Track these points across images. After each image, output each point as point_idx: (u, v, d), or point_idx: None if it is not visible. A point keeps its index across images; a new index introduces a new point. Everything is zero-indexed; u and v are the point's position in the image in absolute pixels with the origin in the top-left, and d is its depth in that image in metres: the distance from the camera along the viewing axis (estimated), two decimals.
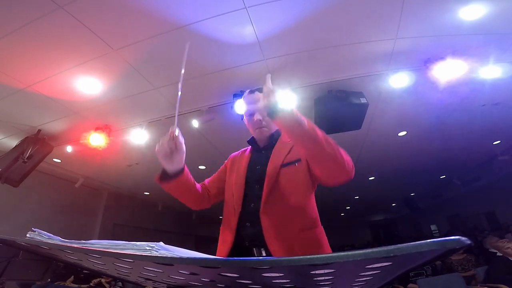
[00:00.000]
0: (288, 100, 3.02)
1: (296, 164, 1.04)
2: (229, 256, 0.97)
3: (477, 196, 7.98)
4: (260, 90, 1.13)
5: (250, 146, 1.24)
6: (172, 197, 1.15)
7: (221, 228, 1.10)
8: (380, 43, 2.61)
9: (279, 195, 1.00)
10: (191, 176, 1.11)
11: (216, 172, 1.29)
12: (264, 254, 0.94)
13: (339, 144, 0.89)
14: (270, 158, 1.09)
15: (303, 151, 0.93)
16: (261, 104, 0.88)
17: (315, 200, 1.09)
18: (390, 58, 2.80)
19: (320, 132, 0.86)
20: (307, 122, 0.85)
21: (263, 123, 1.13)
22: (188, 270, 0.47)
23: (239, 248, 0.99)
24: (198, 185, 1.16)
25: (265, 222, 0.96)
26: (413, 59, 2.81)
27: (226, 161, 1.29)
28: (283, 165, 1.05)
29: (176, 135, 0.97)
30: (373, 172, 6.73)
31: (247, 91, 1.21)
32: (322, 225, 1.06)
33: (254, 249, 0.97)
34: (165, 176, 1.03)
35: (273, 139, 1.17)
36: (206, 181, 1.26)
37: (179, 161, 1.01)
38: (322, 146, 0.84)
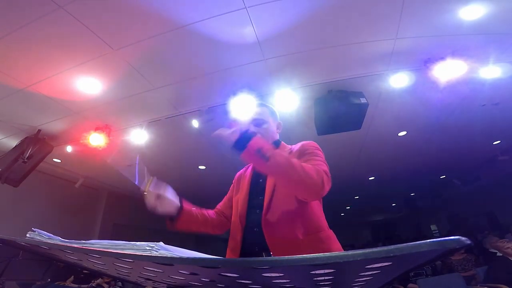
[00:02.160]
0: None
1: None
2: None
3: (477, 196, 7.98)
4: (261, 105, 1.27)
5: None
6: None
7: (230, 237, 1.14)
8: (380, 43, 2.61)
9: (278, 204, 1.03)
10: (196, 210, 1.16)
11: (227, 194, 1.34)
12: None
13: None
14: None
15: (272, 177, 0.99)
16: (225, 139, 0.94)
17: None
18: (390, 58, 2.80)
19: (284, 161, 0.88)
20: (269, 154, 0.88)
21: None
22: (188, 270, 0.47)
23: (248, 255, 1.02)
24: (211, 212, 1.24)
25: (267, 231, 0.99)
26: (413, 59, 2.81)
27: (233, 180, 1.34)
28: None
29: (146, 192, 1.03)
30: (373, 172, 6.73)
31: (258, 103, 1.32)
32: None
33: (263, 253, 0.99)
34: (170, 221, 1.09)
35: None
36: (219, 205, 1.31)
37: (170, 205, 1.05)
38: (288, 174, 0.88)
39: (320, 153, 1.09)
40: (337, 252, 0.32)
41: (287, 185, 0.96)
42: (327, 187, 0.93)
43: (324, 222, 1.06)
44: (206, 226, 1.18)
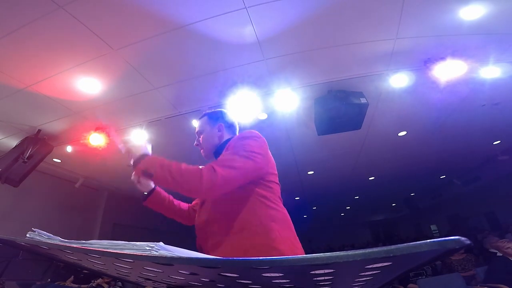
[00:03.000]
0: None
1: None
2: None
3: (477, 196, 7.99)
4: (201, 117, 1.33)
5: None
6: None
7: None
8: (380, 43, 2.61)
9: (211, 202, 1.09)
10: (169, 197, 1.33)
11: None
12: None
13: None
14: None
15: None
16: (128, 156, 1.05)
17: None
18: (390, 58, 2.80)
19: (165, 174, 0.97)
20: (153, 171, 0.98)
21: (199, 144, 1.28)
22: (188, 270, 0.47)
23: None
24: (185, 205, 1.37)
25: (200, 233, 1.09)
26: (413, 59, 2.81)
27: None
28: None
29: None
30: (373, 172, 6.73)
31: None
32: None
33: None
34: (143, 197, 1.30)
35: (218, 154, 1.18)
36: (194, 201, 1.40)
37: (146, 184, 1.23)
38: (169, 184, 0.97)
39: (240, 143, 1.07)
40: (337, 252, 0.32)
41: (174, 191, 1.02)
42: (214, 185, 0.93)
43: (256, 218, 1.00)
44: (174, 214, 1.34)
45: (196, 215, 1.17)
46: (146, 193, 1.28)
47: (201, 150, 1.28)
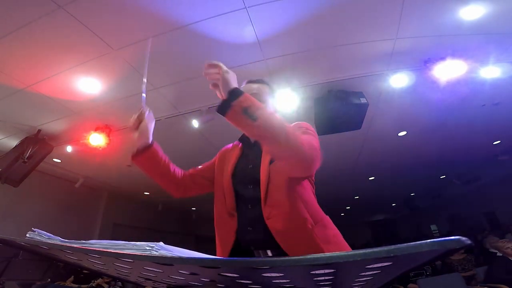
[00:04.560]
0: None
1: None
2: (230, 256, 0.94)
3: (477, 196, 8.00)
4: (259, 81, 1.10)
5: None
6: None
7: (216, 226, 1.04)
8: (380, 43, 2.61)
9: (277, 195, 0.92)
10: (165, 157, 1.09)
11: (204, 164, 1.21)
12: (270, 255, 0.90)
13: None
14: (262, 155, 1.01)
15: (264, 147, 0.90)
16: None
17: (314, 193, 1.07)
18: (390, 58, 2.80)
19: (276, 123, 0.78)
20: (258, 114, 0.76)
21: None
22: (188, 270, 0.47)
23: (240, 249, 0.95)
24: (178, 170, 1.14)
25: (274, 227, 0.88)
26: (413, 59, 2.81)
27: (217, 153, 1.21)
28: (272, 161, 0.97)
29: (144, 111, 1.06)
30: (373, 172, 6.73)
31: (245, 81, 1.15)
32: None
33: (259, 251, 0.93)
34: (136, 152, 1.05)
35: None
36: (192, 169, 1.18)
37: (146, 133, 1.02)
38: (278, 139, 0.77)
39: (313, 132, 1.01)
40: (337, 252, 0.32)
41: (275, 153, 0.85)
42: (317, 163, 0.86)
43: (320, 209, 1.00)
44: (166, 181, 1.10)
45: (263, 208, 0.92)
46: (139, 148, 1.03)
47: None
